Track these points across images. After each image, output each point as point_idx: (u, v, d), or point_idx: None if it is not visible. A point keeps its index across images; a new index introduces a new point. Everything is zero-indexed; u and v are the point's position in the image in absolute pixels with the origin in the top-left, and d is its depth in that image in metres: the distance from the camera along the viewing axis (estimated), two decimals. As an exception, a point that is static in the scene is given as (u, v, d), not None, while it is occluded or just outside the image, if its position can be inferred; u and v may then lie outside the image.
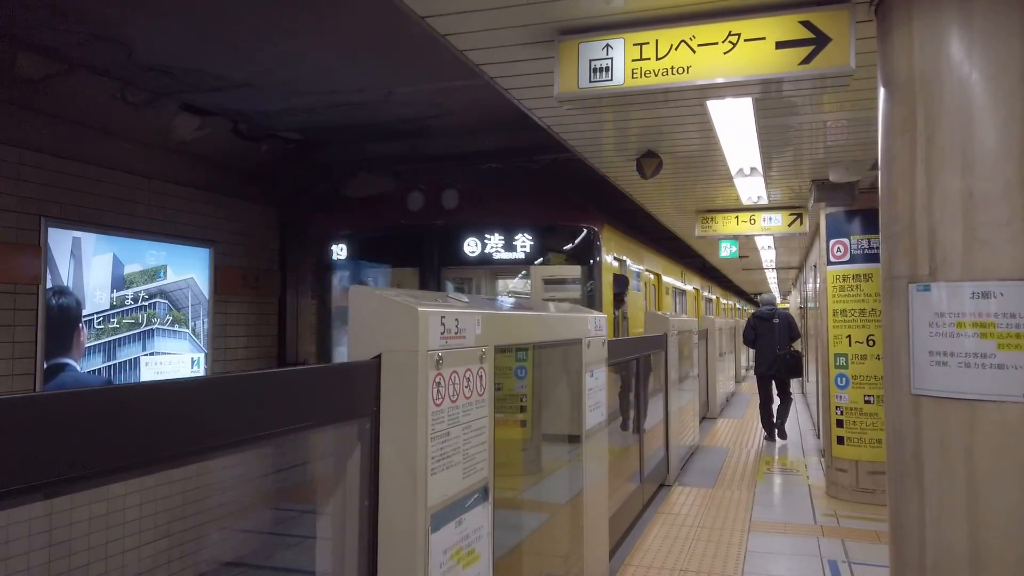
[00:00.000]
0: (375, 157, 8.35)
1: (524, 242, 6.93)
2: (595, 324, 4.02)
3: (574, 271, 6.82)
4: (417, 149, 8.04)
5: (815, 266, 8.58)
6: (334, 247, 7.48)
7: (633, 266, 7.88)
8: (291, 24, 4.70)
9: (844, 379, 5.98)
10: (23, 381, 5.21)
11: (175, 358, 6.61)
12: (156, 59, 5.27)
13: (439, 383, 2.22)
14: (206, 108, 6.47)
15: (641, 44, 2.71)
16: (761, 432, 9.30)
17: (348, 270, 7.49)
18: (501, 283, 7.47)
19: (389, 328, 2.13)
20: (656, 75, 2.70)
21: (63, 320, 5.57)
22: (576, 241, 6.88)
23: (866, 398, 5.89)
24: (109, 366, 5.95)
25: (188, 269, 6.78)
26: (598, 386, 4.08)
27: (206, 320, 6.97)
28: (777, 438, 8.86)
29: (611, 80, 2.75)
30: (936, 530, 2.21)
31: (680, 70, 2.68)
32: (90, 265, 5.82)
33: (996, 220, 2.19)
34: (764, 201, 6.53)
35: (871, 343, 5.88)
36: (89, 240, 5.81)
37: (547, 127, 4.30)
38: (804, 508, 5.76)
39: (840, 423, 6.00)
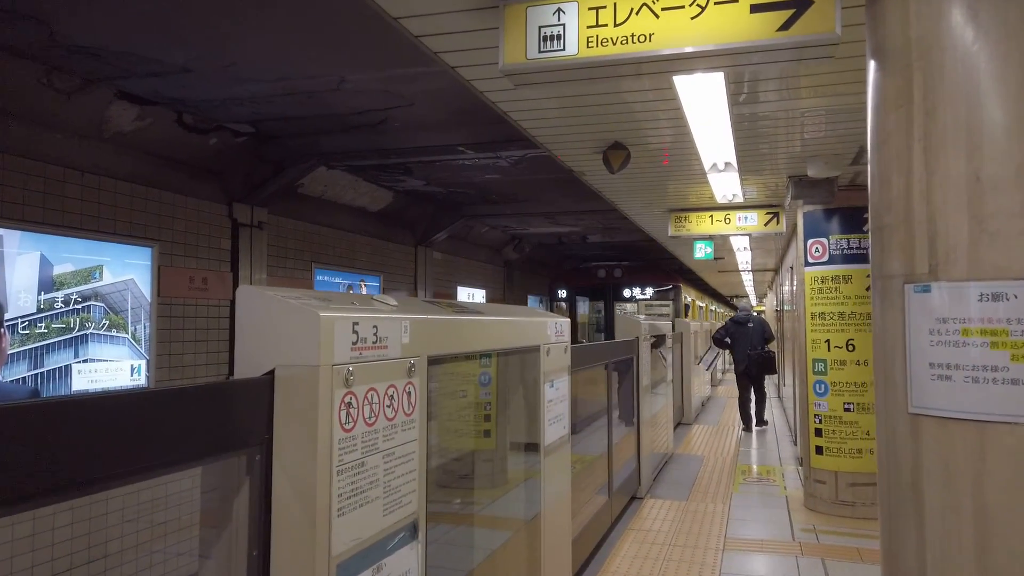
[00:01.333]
0: (331, 151, 7.94)
1: (650, 290, 17.26)
2: (556, 329, 3.66)
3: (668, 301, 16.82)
4: (376, 143, 7.65)
5: (791, 268, 8.31)
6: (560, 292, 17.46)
7: (688, 297, 17.90)
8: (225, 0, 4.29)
9: (823, 386, 5.68)
10: (-66, 392, 4.74)
11: (112, 365, 6.14)
12: (80, 39, 4.83)
13: (350, 403, 1.84)
14: (145, 96, 6.02)
15: (597, 8, 2.35)
16: (738, 436, 9.03)
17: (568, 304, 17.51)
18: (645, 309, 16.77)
19: (284, 337, 1.75)
20: (614, 43, 2.34)
21: (-18, 325, 5.10)
22: (671, 288, 17.10)
23: (846, 406, 5.59)
24: (36, 374, 5.49)
25: (127, 270, 6.32)
26: (559, 397, 3.72)
27: (148, 324, 6.51)
28: (755, 427, 10.03)
29: (563, 50, 2.39)
30: (939, 574, 1.87)
31: (642, 38, 2.33)
32: (14, 265, 5.35)
33: (1007, 209, 1.87)
34: (740, 199, 6.22)
35: (851, 348, 5.59)
36: (12, 237, 5.34)
37: (503, 113, 3.94)
38: (782, 522, 5.45)
39: (819, 432, 5.70)
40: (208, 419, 1.58)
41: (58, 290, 5.67)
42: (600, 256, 18.25)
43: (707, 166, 5.02)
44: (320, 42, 4.98)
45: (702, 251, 8.71)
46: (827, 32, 2.18)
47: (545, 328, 3.51)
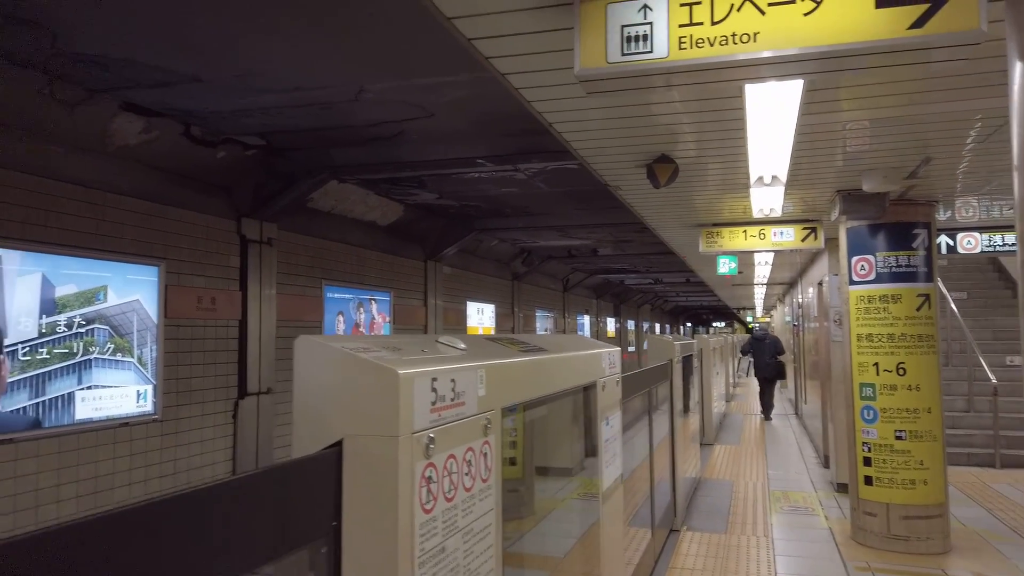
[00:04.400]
0: (343, 164, 7.64)
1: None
2: (609, 361, 3.34)
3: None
4: (391, 156, 7.34)
5: (822, 283, 8.00)
6: None
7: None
8: (240, 5, 3.99)
9: (871, 412, 5.36)
10: (-74, 425, 4.40)
11: (118, 391, 5.80)
12: (86, 47, 4.52)
13: (430, 477, 1.51)
14: (152, 108, 5.71)
15: (691, 4, 2.05)
16: (765, 459, 8.72)
17: None
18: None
19: (354, 400, 1.43)
20: (712, 44, 2.03)
21: (-21, 352, 4.76)
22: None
23: (897, 434, 5.26)
24: (37, 403, 5.14)
25: (133, 290, 5.99)
26: (614, 435, 3.39)
27: (155, 347, 6.17)
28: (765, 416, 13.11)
29: (651, 52, 2.08)
30: None
31: (744, 38, 2.02)
32: (14, 286, 5.02)
33: None
34: (776, 214, 5.92)
35: (902, 372, 5.27)
36: (12, 258, 5.02)
37: (548, 124, 3.63)
38: (832, 558, 5.11)
39: (868, 461, 5.37)
40: (265, 514, 1.24)
41: (60, 313, 5.33)
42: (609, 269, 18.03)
43: (752, 179, 4.72)
44: (341, 50, 4.68)
45: (726, 266, 8.40)
46: (969, 28, 1.87)
47: (600, 361, 3.19)
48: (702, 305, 39.92)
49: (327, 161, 7.44)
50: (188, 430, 6.48)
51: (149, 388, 6.10)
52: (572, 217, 11.20)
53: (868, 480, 5.38)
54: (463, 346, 1.94)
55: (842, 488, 6.89)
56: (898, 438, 5.27)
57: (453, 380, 1.65)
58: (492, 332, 14.15)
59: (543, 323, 17.47)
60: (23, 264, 5.09)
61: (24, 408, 5.06)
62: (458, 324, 12.62)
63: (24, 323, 5.08)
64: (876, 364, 5.37)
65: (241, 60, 4.81)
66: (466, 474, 1.70)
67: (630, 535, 4.44)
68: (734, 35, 2.03)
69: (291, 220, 8.05)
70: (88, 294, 5.59)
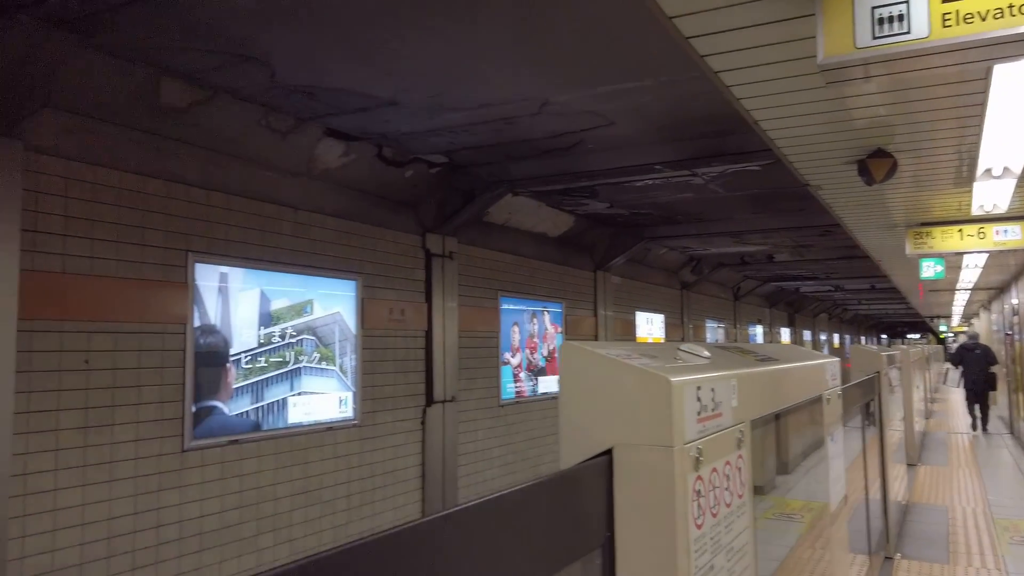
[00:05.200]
0: (520, 177, 7.78)
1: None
2: (832, 372, 3.11)
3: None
4: (567, 166, 7.39)
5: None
6: None
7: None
8: (436, 23, 4.15)
9: None
10: (172, 426, 4.94)
11: (323, 398, 6.24)
12: (298, 79, 4.91)
13: (699, 492, 1.44)
14: (350, 133, 6.12)
15: (957, -24, 1.85)
16: (981, 483, 7.84)
17: None
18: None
19: (623, 408, 1.39)
20: (983, 19, 1.82)
21: (211, 360, 5.29)
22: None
23: None
24: (257, 408, 5.63)
25: (334, 303, 6.43)
26: (838, 452, 3.15)
27: (353, 357, 6.58)
28: (981, 430, 12.49)
29: (908, 32, 1.90)
30: None
31: (1021, 9, 1.79)
32: (237, 301, 5.55)
33: None
34: (1001, 210, 5.30)
35: None
36: (236, 275, 5.54)
37: (753, 122, 3.46)
38: (1087, 601, 4.45)
39: None
40: (541, 525, 1.22)
41: (275, 325, 5.82)
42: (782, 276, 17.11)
43: (980, 171, 4.25)
44: (527, 63, 4.76)
45: (931, 270, 7.66)
46: None
47: (824, 372, 2.97)
48: (886, 313, 36.83)
49: (505, 175, 7.62)
50: (383, 435, 6.84)
51: (349, 395, 6.51)
52: (748, 222, 10.74)
53: None
54: (707, 354, 1.85)
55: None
56: None
57: (713, 390, 1.58)
58: (662, 343, 13.84)
59: (713, 334, 16.87)
60: (245, 281, 5.60)
61: (246, 412, 5.56)
62: (627, 334, 12.46)
63: (246, 334, 5.59)
64: None
65: (433, 82, 5.02)
66: (726, 489, 1.62)
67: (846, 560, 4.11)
68: (1010, 7, 1.81)
69: (469, 234, 8.31)
70: (298, 307, 6.06)
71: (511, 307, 9.27)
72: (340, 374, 6.42)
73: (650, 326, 13.41)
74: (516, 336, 9.32)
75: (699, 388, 1.49)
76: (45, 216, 4.30)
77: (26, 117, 4.08)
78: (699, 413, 1.48)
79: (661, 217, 10.43)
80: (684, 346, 1.85)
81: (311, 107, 5.47)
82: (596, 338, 11.33)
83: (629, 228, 11.20)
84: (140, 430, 4.74)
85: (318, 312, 6.23)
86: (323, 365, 6.24)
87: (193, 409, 5.12)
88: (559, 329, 10.34)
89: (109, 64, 4.38)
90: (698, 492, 1.44)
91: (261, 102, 5.36)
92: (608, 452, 1.39)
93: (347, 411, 6.46)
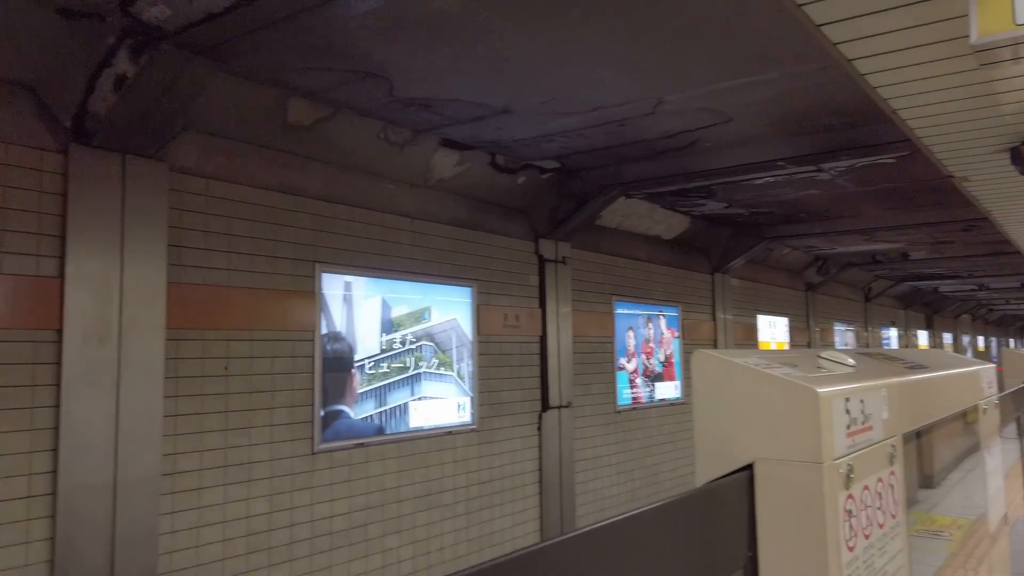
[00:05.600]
0: (632, 180, 7.65)
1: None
2: (987, 379, 2.84)
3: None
4: (682, 166, 7.19)
5: None
6: None
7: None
8: (548, 27, 4.14)
9: None
10: (302, 429, 5.18)
11: (442, 403, 6.36)
12: (415, 92, 5.03)
13: (850, 511, 1.34)
14: (464, 142, 6.22)
15: None
16: None
17: None
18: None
19: (765, 421, 1.30)
20: None
21: (337, 366, 5.51)
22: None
23: None
24: (380, 412, 5.81)
25: (451, 309, 6.55)
26: (996, 467, 2.88)
27: (470, 362, 6.68)
28: None
29: (1080, 2, 1.70)
30: None
31: None
32: (360, 309, 5.75)
33: None
34: None
35: None
36: (359, 284, 5.75)
37: (891, 111, 3.22)
38: None
39: None
40: (682, 543, 1.16)
41: (396, 331, 5.99)
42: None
43: None
44: (640, 62, 4.66)
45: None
46: None
47: (980, 380, 2.72)
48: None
49: (617, 178, 7.52)
50: (500, 440, 6.89)
51: (467, 400, 6.60)
52: (880, 218, 10.08)
53: None
54: (852, 362, 1.72)
55: None
56: None
57: (862, 401, 1.46)
58: (786, 347, 13.23)
59: (842, 337, 15.95)
60: (367, 289, 5.80)
61: (371, 416, 5.74)
62: (748, 339, 11.99)
63: (368, 341, 5.78)
64: None
65: (545, 87, 5.02)
66: (878, 508, 1.49)
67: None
68: None
69: (582, 238, 8.26)
70: (416, 314, 6.21)
71: (625, 311, 9.13)
72: (458, 379, 6.52)
73: (772, 330, 12.85)
74: (631, 341, 9.17)
75: (847, 399, 1.38)
76: (188, 232, 4.61)
77: (170, 140, 4.40)
78: (848, 427, 1.37)
79: (783, 216, 9.98)
80: (825, 353, 1.73)
81: (427, 119, 5.60)
82: (715, 343, 10.97)
83: (748, 228, 10.79)
84: (274, 433, 4.99)
85: (436, 319, 6.36)
86: (442, 371, 6.36)
87: (322, 413, 5.34)
88: (675, 334, 10.09)
89: (242, 87, 4.65)
90: (849, 512, 1.33)
91: (380, 116, 5.53)
92: (748, 467, 1.31)
93: (465, 416, 6.56)
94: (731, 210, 9.54)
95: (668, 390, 9.80)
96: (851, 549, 1.32)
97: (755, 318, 12.33)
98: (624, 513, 0.97)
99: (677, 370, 10.02)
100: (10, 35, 3.65)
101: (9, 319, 3.75)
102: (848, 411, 1.39)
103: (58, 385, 3.89)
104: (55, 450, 3.86)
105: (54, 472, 3.85)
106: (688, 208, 9.43)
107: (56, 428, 3.87)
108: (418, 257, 6.26)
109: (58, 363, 3.89)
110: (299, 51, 4.31)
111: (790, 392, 1.29)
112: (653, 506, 1.06)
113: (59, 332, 3.90)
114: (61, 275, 3.92)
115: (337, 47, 4.28)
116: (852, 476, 1.34)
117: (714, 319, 11.06)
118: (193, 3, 3.46)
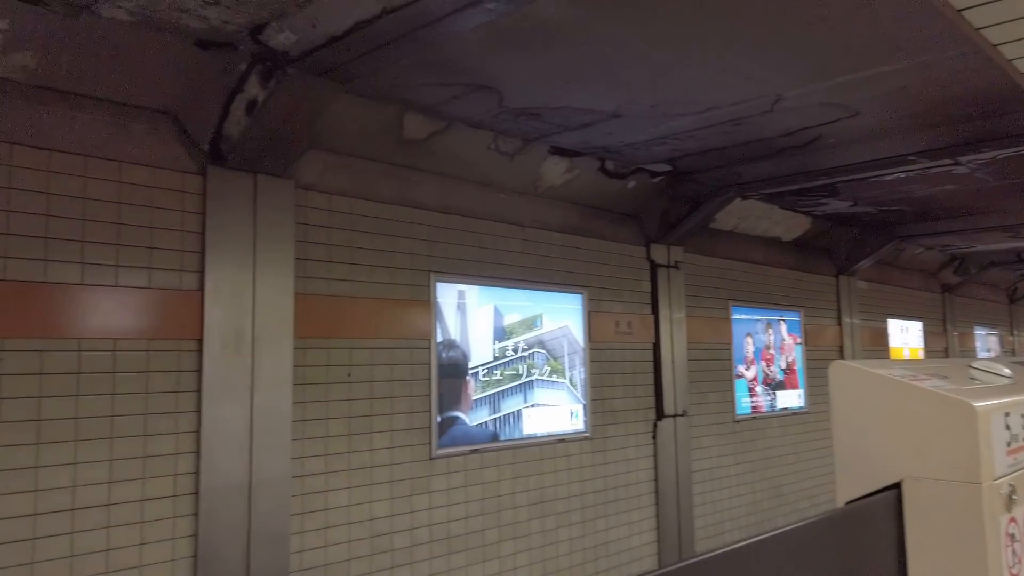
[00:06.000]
0: (749, 180, 7.38)
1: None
2: None
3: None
4: (802, 165, 6.88)
5: None
6: None
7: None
8: (658, 28, 4.06)
9: None
10: (420, 435, 5.31)
11: (554, 410, 6.36)
12: (524, 102, 5.08)
13: (1013, 535, 1.22)
14: (573, 148, 6.21)
15: None
16: None
17: None
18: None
19: (914, 437, 1.22)
20: None
21: (453, 373, 5.62)
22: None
23: None
24: (495, 419, 5.88)
25: (562, 317, 6.54)
26: None
27: (582, 370, 6.64)
28: None
29: None
30: None
31: None
32: (474, 317, 5.84)
33: None
34: None
35: None
36: (472, 292, 5.85)
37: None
38: None
39: None
40: (832, 560, 1.09)
41: (508, 339, 6.04)
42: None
43: None
44: (757, 59, 4.50)
45: None
46: None
47: None
48: None
49: (732, 179, 7.28)
50: (614, 448, 6.81)
51: (579, 408, 6.57)
52: (1025, 213, 9.27)
53: None
54: (1008, 372, 1.57)
55: None
56: None
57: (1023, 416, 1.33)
58: (920, 354, 12.37)
59: (984, 342, 14.75)
60: (480, 297, 5.89)
61: (485, 423, 5.82)
62: (877, 345, 11.29)
63: (482, 348, 5.87)
64: None
65: (656, 89, 4.93)
66: (1045, 534, 1.35)
67: None
68: None
69: (695, 242, 8.05)
70: (528, 321, 6.24)
71: (743, 317, 8.81)
72: (570, 387, 6.50)
73: (905, 335, 12.05)
74: (750, 347, 8.84)
75: (1007, 414, 1.26)
76: (312, 245, 4.85)
77: (296, 159, 4.64)
78: (1008, 443, 1.25)
79: (915, 213, 9.35)
80: (977, 363, 1.59)
81: (536, 127, 5.63)
82: (841, 349, 10.40)
83: (876, 227, 10.18)
84: (394, 438, 5.15)
85: (547, 326, 6.38)
86: (554, 378, 6.37)
87: (438, 419, 5.46)
88: (798, 340, 9.64)
89: (361, 105, 4.85)
90: (1012, 536, 1.21)
91: (490, 127, 5.62)
92: (895, 486, 1.22)
93: (578, 423, 6.52)
94: (857, 208, 9.04)
95: (790, 399, 9.37)
96: (1014, 575, 1.21)
97: (885, 322, 11.61)
98: (766, 532, 0.92)
99: (800, 378, 9.57)
100: (154, 68, 3.96)
101: (157, 330, 4.06)
102: (1008, 427, 1.27)
103: (199, 391, 4.17)
104: (197, 452, 4.14)
105: (196, 473, 4.13)
106: (809, 208, 9.01)
107: (198, 432, 4.15)
108: (529, 265, 6.30)
109: (199, 370, 4.18)
110: (415, 68, 4.44)
111: (942, 406, 1.19)
112: (797, 525, 1.01)
113: (199, 342, 4.18)
114: (201, 288, 4.21)
115: (451, 62, 4.38)
116: (1015, 498, 1.22)
117: (839, 324, 10.49)
118: (316, 28, 3.64)
